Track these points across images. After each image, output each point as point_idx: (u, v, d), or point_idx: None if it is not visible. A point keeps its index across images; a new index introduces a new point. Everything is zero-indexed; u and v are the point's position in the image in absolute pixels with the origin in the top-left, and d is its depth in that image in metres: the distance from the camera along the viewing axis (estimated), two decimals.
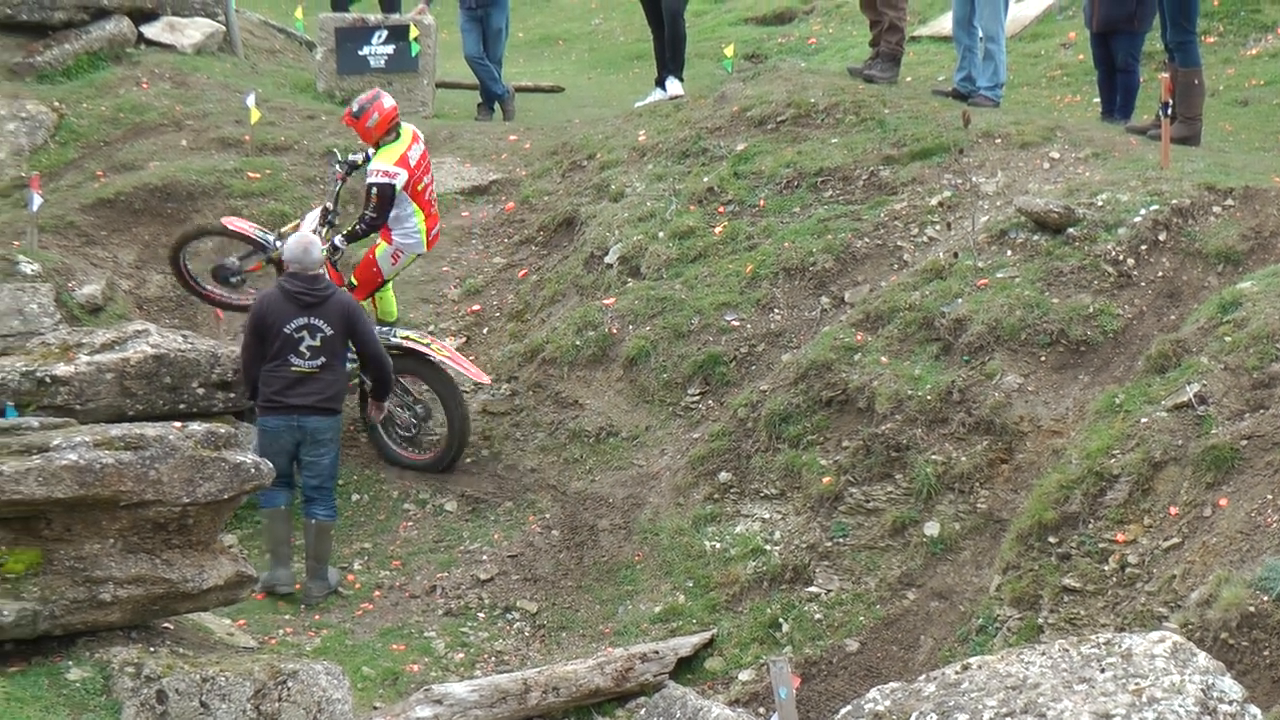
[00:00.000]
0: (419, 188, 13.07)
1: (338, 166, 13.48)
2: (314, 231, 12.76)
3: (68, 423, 10.58)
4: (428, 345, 12.86)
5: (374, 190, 12.85)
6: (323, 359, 11.49)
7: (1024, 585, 9.68)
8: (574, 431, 12.64)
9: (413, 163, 12.98)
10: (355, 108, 13.20)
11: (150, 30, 18.53)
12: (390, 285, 13.39)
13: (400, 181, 12.83)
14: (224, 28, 19.46)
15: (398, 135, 13.04)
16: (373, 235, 13.10)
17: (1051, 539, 9.72)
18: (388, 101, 13.19)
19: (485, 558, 11.78)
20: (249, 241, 13.47)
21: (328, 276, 11.96)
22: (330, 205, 13.26)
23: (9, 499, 9.40)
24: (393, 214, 12.96)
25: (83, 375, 12.17)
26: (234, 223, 13.68)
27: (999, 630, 9.67)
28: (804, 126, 14.57)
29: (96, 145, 16.23)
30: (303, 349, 11.43)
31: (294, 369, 11.43)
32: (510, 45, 19.87)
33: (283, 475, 11.37)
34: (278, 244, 13.03)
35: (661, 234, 13.72)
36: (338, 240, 13.03)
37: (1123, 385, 10.45)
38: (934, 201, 12.95)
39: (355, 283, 13.17)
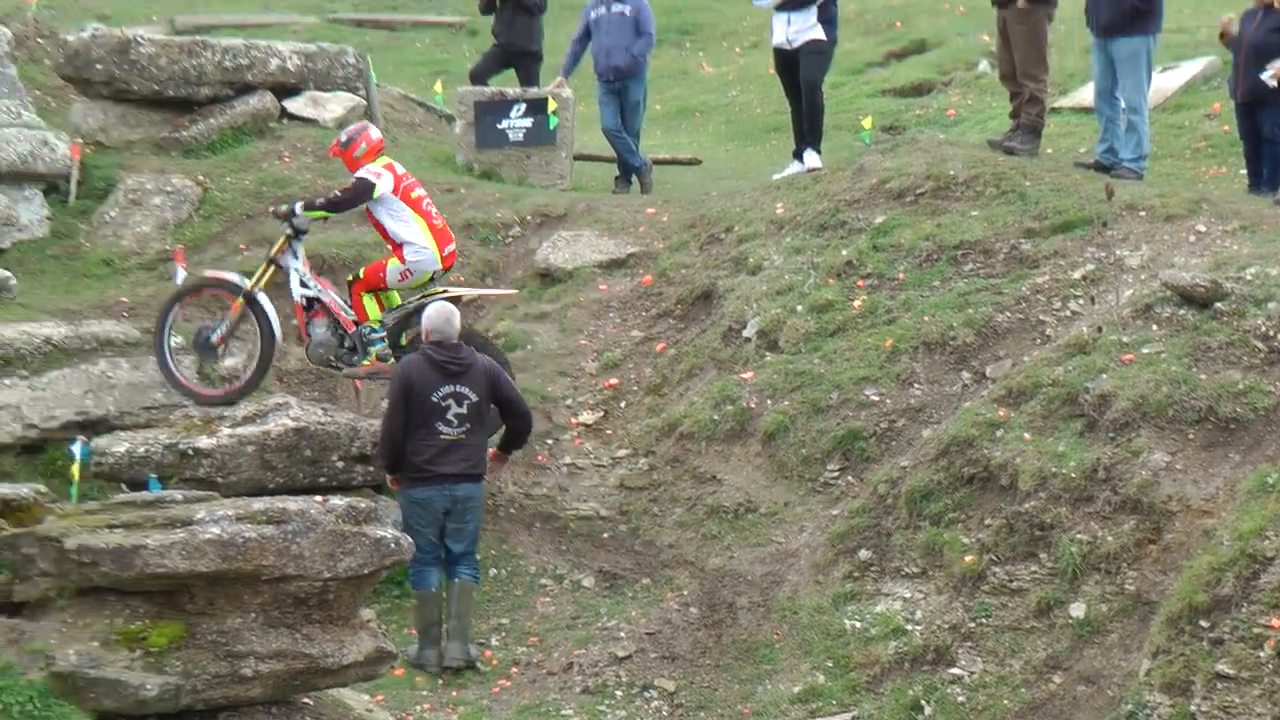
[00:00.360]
0: (413, 195, 13.33)
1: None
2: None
3: (211, 496, 10.68)
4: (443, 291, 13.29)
5: (354, 179, 13.29)
6: (469, 426, 11.54)
7: (1175, 670, 9.47)
8: (712, 507, 12.58)
9: (399, 170, 13.38)
10: (343, 138, 13.60)
11: (293, 105, 18.78)
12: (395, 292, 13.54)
13: (383, 184, 13.15)
14: (365, 102, 19.68)
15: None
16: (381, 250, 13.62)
17: (1203, 623, 9.51)
18: (375, 133, 13.63)
19: (623, 635, 11.72)
20: (223, 285, 13.63)
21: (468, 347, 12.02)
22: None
23: (153, 572, 9.50)
24: (396, 226, 13.22)
25: (224, 448, 12.28)
26: (210, 273, 14.01)
27: (1150, 717, 9.47)
28: (943, 199, 14.48)
29: (239, 219, 16.46)
30: (450, 416, 11.47)
31: (442, 437, 11.46)
32: (648, 117, 19.94)
33: (433, 549, 11.43)
34: (246, 282, 13.32)
35: (800, 307, 13.67)
36: (297, 206, 13.39)
37: (1275, 464, 10.24)
38: (1077, 275, 12.81)
39: (360, 275, 13.47)
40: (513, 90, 19.20)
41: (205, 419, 12.76)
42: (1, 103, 17.68)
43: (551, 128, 18.54)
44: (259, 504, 10.16)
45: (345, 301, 13.46)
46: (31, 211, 16.67)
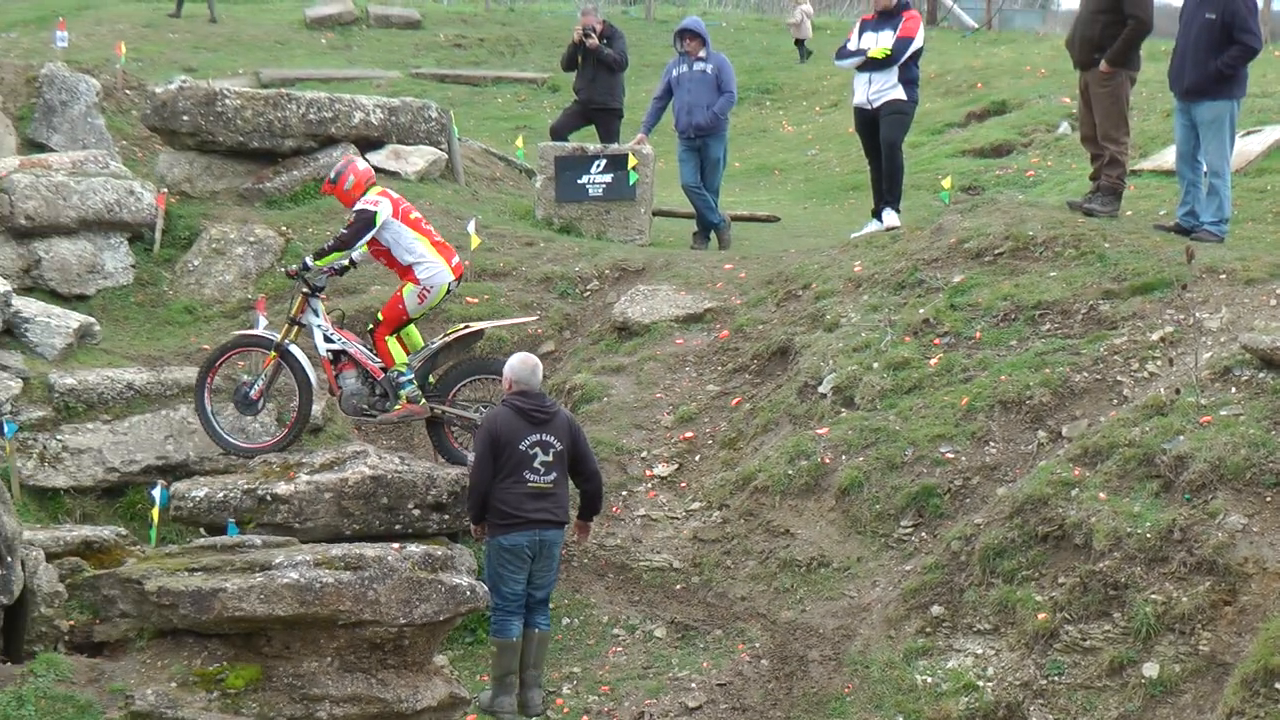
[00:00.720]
0: (411, 216, 13.67)
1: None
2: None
3: (289, 541, 10.84)
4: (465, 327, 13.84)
5: (354, 214, 13.55)
6: (555, 474, 11.69)
7: None
8: (785, 560, 12.61)
9: (394, 195, 13.70)
10: (332, 174, 13.95)
11: (375, 158, 18.98)
12: (414, 323, 13.81)
13: (383, 210, 13.44)
14: (447, 155, 19.92)
15: None
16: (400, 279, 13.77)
17: (1279, 685, 9.49)
18: (361, 164, 13.95)
19: (694, 685, 11.76)
20: (255, 342, 13.91)
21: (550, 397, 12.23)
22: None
23: (232, 615, 9.65)
24: (401, 249, 13.54)
25: (302, 494, 12.40)
26: (241, 332, 14.34)
27: None
28: (1022, 259, 14.52)
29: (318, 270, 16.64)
30: (536, 465, 11.61)
31: (530, 485, 11.59)
32: (727, 174, 20.06)
33: (518, 597, 11.55)
34: (276, 336, 13.69)
35: (876, 365, 13.72)
36: (308, 259, 13.67)
37: None
38: (1155, 337, 12.80)
39: (380, 319, 13.69)
40: (593, 146, 19.39)
41: (284, 465, 12.91)
42: (89, 152, 18.01)
43: (631, 183, 18.71)
44: (336, 550, 10.31)
45: (370, 349, 13.71)
46: (117, 259, 16.94)
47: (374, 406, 13.64)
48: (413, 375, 13.53)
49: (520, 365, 11.97)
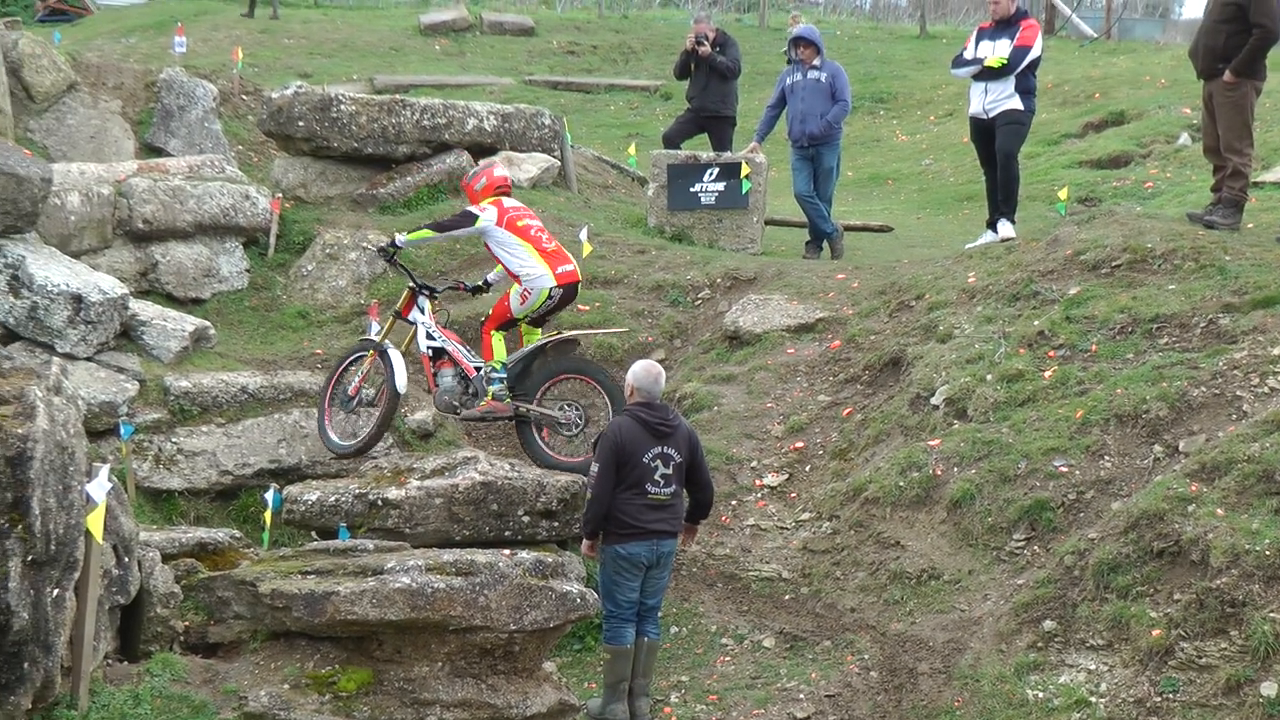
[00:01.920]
0: (520, 224, 14.01)
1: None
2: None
3: (401, 546, 10.96)
4: (560, 333, 14.28)
5: (461, 211, 14.24)
6: (674, 486, 11.70)
7: None
8: (895, 572, 12.61)
9: (506, 205, 14.08)
10: (470, 173, 14.68)
11: None
12: (524, 322, 14.14)
13: (485, 217, 13.94)
14: (559, 163, 20.05)
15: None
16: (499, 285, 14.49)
17: None
18: (499, 172, 14.49)
19: (802, 696, 11.78)
20: (365, 343, 14.45)
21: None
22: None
23: (344, 619, 9.77)
24: (507, 255, 13.94)
25: (413, 499, 12.49)
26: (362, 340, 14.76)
27: None
28: (1139, 272, 14.44)
29: (433, 276, 16.80)
30: (657, 477, 11.60)
31: (651, 497, 11.59)
32: (840, 184, 20.08)
33: (632, 605, 11.58)
34: (375, 335, 14.34)
35: (989, 376, 13.68)
36: (399, 236, 14.25)
37: None
38: (1276, 351, 12.70)
39: (490, 314, 14.19)
40: (706, 154, 19.45)
41: (395, 471, 13.03)
42: (206, 157, 18.29)
43: (744, 192, 18.76)
44: (448, 555, 10.40)
45: (471, 350, 14.18)
46: (232, 264, 17.19)
47: (463, 404, 14.03)
48: (504, 374, 13.86)
49: (644, 374, 11.91)
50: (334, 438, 14.06)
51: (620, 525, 11.50)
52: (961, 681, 11.46)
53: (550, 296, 13.90)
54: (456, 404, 14.00)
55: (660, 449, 11.57)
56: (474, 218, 13.94)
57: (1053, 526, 12.20)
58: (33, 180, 13.99)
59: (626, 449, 11.51)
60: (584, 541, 11.82)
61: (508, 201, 14.17)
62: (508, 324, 14.03)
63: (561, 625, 10.50)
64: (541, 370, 13.95)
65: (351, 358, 14.25)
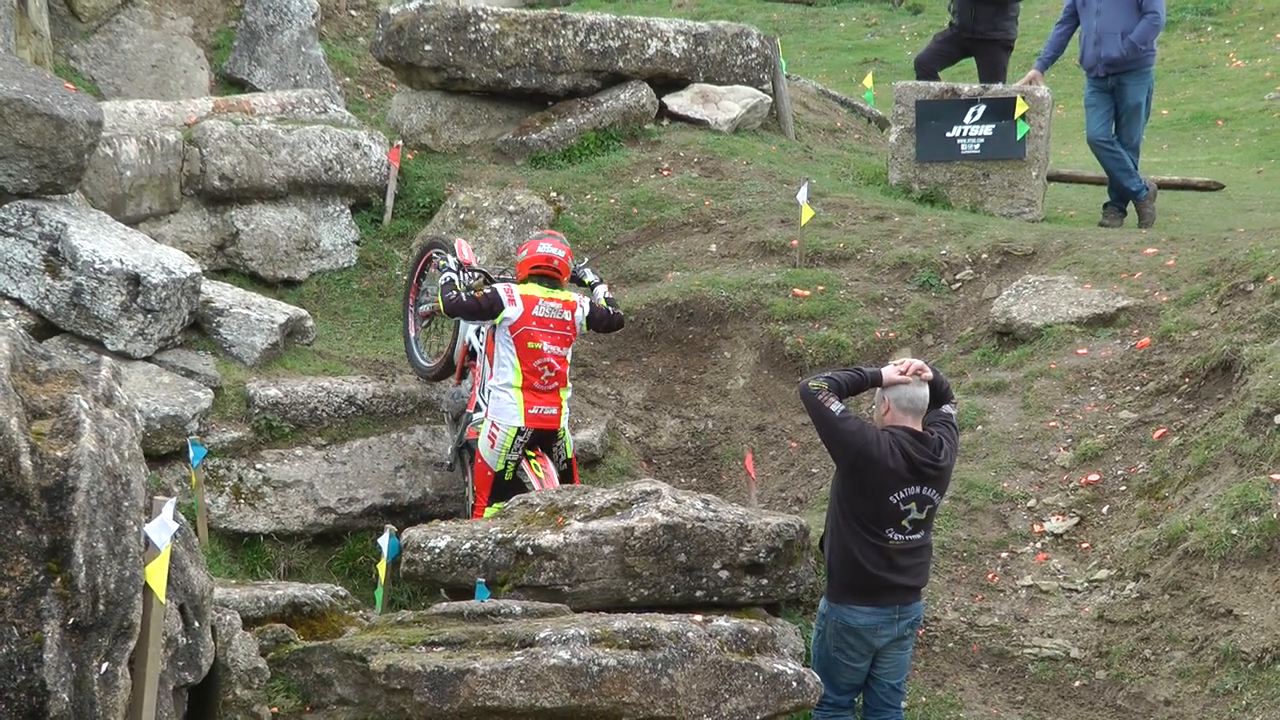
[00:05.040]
0: (530, 346, 13.86)
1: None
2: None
3: (558, 609, 10.98)
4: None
5: (490, 289, 13.99)
6: (924, 533, 11.58)
7: None
8: (1226, 652, 12.47)
9: (534, 311, 13.90)
10: (521, 243, 14.86)
11: (676, 102, 19.18)
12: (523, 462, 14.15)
13: (508, 312, 13.79)
14: (770, 99, 20.03)
15: (550, 289, 14.10)
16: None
17: None
18: (543, 248, 14.19)
19: None
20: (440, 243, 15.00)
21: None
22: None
23: (483, 705, 9.80)
24: (491, 360, 13.92)
25: (573, 547, 12.36)
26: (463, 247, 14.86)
27: None
28: None
29: (602, 249, 16.89)
30: (905, 522, 11.49)
31: (891, 543, 11.50)
32: (1151, 126, 19.89)
33: (854, 689, 11.54)
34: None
35: None
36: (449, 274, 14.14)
37: None
38: None
39: (473, 484, 14.11)
40: (969, 86, 19.32)
41: (550, 510, 13.01)
42: (303, 92, 18.40)
43: (1020, 137, 18.63)
44: (620, 622, 10.41)
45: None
46: (336, 233, 17.36)
47: (456, 422, 14.53)
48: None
49: (909, 401, 11.60)
50: (421, 360, 14.76)
51: (851, 576, 11.43)
52: None
53: (521, 434, 13.90)
54: (453, 416, 14.51)
55: (919, 490, 11.43)
56: (499, 304, 13.86)
57: None
58: (76, 124, 14.09)
59: (876, 471, 11.29)
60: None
61: (542, 304, 14.02)
62: (498, 483, 13.98)
63: (771, 717, 10.48)
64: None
65: (429, 255, 14.60)
